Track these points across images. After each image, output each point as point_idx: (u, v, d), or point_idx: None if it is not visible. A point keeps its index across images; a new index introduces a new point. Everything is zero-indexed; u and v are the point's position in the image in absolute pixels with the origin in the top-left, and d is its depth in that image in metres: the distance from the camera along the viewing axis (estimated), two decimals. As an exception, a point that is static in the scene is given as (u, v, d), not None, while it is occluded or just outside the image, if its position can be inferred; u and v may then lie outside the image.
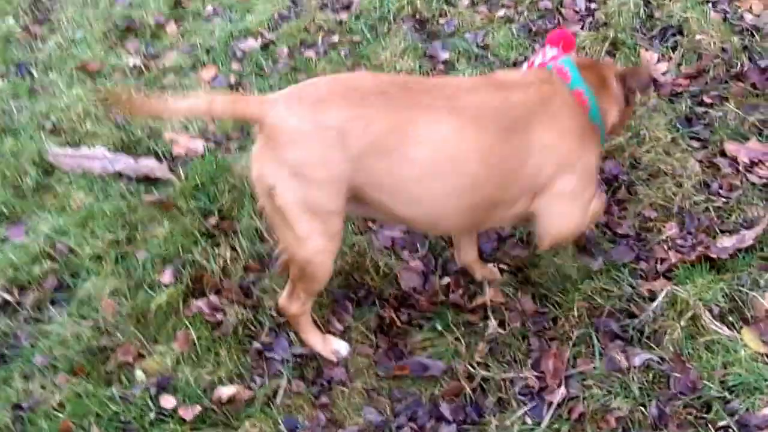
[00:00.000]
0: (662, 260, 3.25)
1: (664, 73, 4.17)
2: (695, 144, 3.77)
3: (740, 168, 3.61)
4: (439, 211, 2.72)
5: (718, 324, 2.90)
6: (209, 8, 4.99)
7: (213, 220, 3.63)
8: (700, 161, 3.66)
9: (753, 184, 3.49)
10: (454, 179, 2.64)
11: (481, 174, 2.65)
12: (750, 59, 4.13)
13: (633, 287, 3.13)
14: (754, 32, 4.25)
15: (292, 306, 2.92)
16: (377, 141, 2.54)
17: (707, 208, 3.42)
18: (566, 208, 2.85)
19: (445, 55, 4.46)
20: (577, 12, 4.53)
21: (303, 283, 2.82)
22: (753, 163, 3.62)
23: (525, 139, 2.69)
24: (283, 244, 2.82)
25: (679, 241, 3.32)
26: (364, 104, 2.54)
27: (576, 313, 3.04)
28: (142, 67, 4.64)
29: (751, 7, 4.40)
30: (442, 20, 4.69)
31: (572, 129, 2.78)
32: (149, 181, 3.90)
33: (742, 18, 4.32)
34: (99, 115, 4.34)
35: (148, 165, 3.95)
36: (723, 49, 4.16)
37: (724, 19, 4.32)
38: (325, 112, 2.52)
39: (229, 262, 3.45)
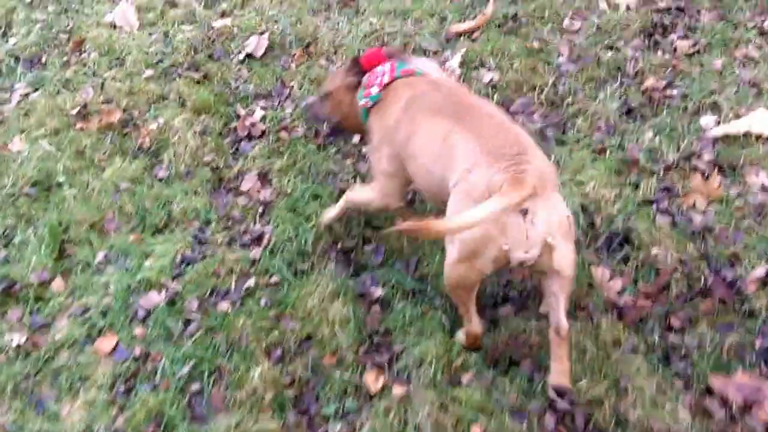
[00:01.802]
0: None
1: (620, 293, 3.78)
2: (678, 383, 3.36)
3: (734, 411, 3.22)
4: None
5: None
6: (100, 255, 4.36)
7: None
8: (690, 408, 3.25)
9: (757, 436, 3.08)
10: None
11: None
12: (709, 267, 3.80)
13: None
14: (706, 235, 3.94)
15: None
16: None
17: (716, 476, 2.99)
18: None
19: (378, 292, 3.97)
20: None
21: None
22: (747, 405, 3.23)
23: None
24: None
25: None
26: None
27: None
28: (29, 345, 3.94)
29: (695, 204, 4.10)
30: (367, 248, 4.21)
31: None
32: None
33: (691, 220, 4.01)
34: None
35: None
36: (681, 261, 3.81)
37: (673, 223, 3.99)
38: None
39: None
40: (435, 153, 3.39)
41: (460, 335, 3.64)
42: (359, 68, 3.85)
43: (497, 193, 2.91)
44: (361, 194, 4.00)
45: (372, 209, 4.00)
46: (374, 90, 3.74)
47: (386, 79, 3.71)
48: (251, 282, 4.11)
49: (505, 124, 3.31)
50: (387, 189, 3.84)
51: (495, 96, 4.92)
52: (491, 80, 5.03)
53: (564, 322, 3.26)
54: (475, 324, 3.49)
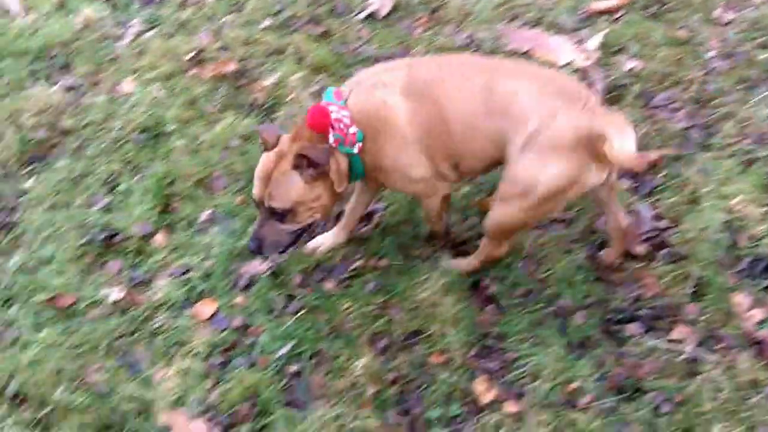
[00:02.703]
0: None
1: (760, 325, 3.44)
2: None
3: None
4: None
5: None
6: (204, 214, 4.18)
7: None
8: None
9: None
10: None
11: None
12: None
13: None
14: None
15: None
16: None
17: None
18: None
19: (492, 290, 3.71)
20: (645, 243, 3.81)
21: None
22: None
23: None
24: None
25: None
26: None
27: None
28: (127, 301, 3.80)
29: None
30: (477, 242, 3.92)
31: None
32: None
33: None
34: (73, 376, 3.50)
35: (138, 466, 3.12)
36: (833, 298, 3.45)
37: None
38: None
39: None
40: (483, 109, 3.21)
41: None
42: (317, 143, 3.27)
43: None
44: (428, 212, 3.73)
45: (439, 205, 3.66)
46: (353, 129, 3.28)
47: (347, 113, 3.28)
48: (359, 263, 3.87)
49: (533, 64, 3.48)
50: (430, 187, 3.52)
51: (636, 87, 4.54)
52: (632, 69, 4.66)
53: (625, 220, 3.61)
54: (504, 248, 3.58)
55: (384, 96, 3.28)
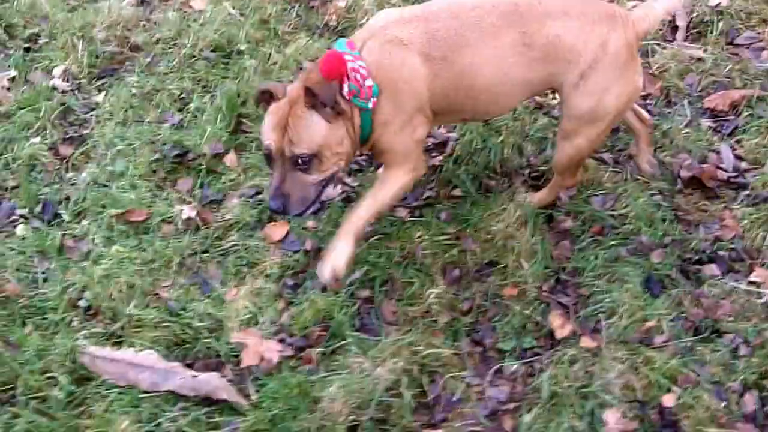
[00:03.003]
0: None
1: None
2: None
3: None
4: None
5: None
6: (275, 136, 4.13)
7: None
8: None
9: None
10: None
11: None
12: None
13: None
14: None
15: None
16: None
17: None
18: None
19: (568, 224, 3.66)
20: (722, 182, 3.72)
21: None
22: None
23: None
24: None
25: None
26: None
27: None
28: (198, 220, 3.80)
29: None
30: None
31: None
32: (211, 403, 3.11)
33: None
34: (146, 290, 3.53)
35: (210, 383, 3.16)
36: None
37: None
38: None
39: None
40: (520, 64, 3.15)
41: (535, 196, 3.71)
42: (335, 85, 3.02)
43: None
44: (392, 190, 3.34)
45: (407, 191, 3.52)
46: (369, 82, 3.03)
47: (363, 63, 3.04)
48: (431, 191, 3.83)
49: None
50: (418, 160, 3.35)
51: (720, 24, 4.39)
52: (718, 5, 4.49)
53: (647, 115, 3.74)
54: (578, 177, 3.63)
55: (403, 56, 3.08)
